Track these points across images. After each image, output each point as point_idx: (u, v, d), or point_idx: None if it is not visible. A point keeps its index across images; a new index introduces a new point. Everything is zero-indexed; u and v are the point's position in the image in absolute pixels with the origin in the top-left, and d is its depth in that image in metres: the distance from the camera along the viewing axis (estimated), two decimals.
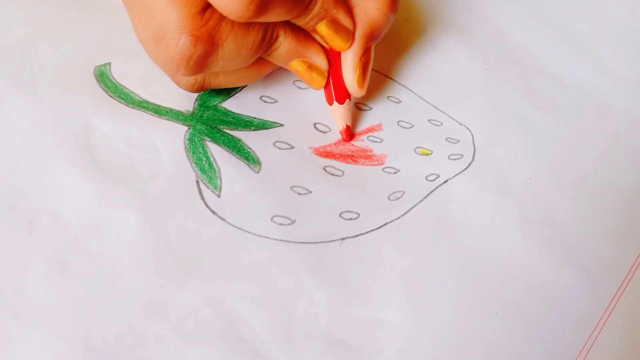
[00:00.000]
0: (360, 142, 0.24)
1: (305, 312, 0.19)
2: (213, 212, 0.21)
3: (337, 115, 0.24)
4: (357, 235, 0.21)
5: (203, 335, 0.18)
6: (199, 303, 0.19)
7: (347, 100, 0.23)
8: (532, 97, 0.27)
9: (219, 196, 0.21)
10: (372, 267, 0.21)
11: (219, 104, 0.24)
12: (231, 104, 0.24)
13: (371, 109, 0.25)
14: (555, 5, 0.31)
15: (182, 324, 0.18)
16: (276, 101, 0.24)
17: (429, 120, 0.25)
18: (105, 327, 0.18)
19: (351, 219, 0.22)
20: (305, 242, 0.21)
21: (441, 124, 0.25)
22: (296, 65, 0.22)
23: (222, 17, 0.19)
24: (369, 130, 0.24)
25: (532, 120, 0.26)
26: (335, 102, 0.23)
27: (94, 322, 0.18)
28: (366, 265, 0.21)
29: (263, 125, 0.23)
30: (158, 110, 0.23)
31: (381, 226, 0.22)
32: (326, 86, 0.23)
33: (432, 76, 0.27)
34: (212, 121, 0.23)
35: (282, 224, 0.21)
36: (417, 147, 0.24)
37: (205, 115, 0.23)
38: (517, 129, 0.26)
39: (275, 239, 0.21)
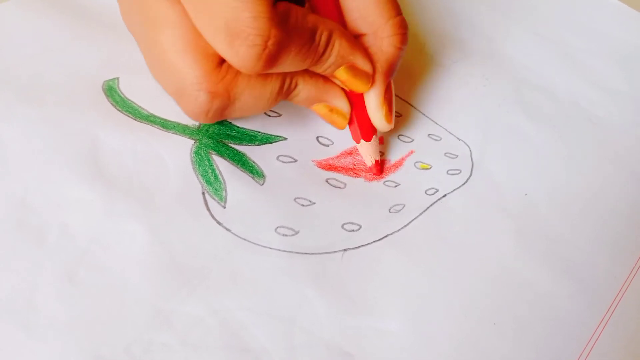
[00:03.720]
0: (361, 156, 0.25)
1: (307, 321, 0.20)
2: (219, 222, 0.21)
3: (365, 152, 0.24)
4: (359, 247, 0.22)
5: (208, 344, 0.19)
6: (204, 313, 0.19)
7: (374, 136, 0.23)
8: (528, 112, 0.27)
9: (224, 207, 0.22)
10: (372, 277, 0.21)
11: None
12: (236, 119, 0.24)
13: None
14: (551, 21, 0.32)
15: (188, 334, 0.19)
16: (280, 115, 0.25)
17: (428, 135, 0.26)
18: (114, 337, 0.18)
19: (353, 230, 0.22)
20: (308, 253, 0.21)
21: (440, 139, 0.26)
22: (318, 108, 0.22)
23: (239, 71, 0.19)
24: None
25: (529, 135, 0.27)
26: (362, 140, 0.23)
27: (103, 333, 0.18)
28: (367, 276, 0.21)
29: (267, 140, 0.24)
30: (165, 125, 0.23)
31: (382, 238, 0.22)
32: (351, 124, 0.23)
33: (432, 91, 0.28)
34: (218, 135, 0.23)
35: (286, 235, 0.21)
36: (416, 162, 0.25)
37: (211, 129, 0.24)
38: (514, 144, 0.26)
39: (278, 250, 0.21)
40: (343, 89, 0.22)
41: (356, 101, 0.23)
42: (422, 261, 0.22)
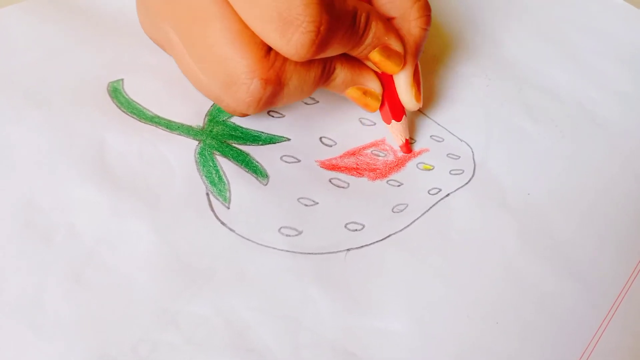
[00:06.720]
0: (365, 156, 0.25)
1: (311, 321, 0.20)
2: (223, 223, 0.21)
3: (396, 132, 0.25)
4: (362, 247, 0.22)
5: (213, 344, 0.19)
6: (209, 313, 0.19)
7: (404, 116, 0.24)
8: (530, 113, 0.28)
9: (228, 208, 0.22)
10: (376, 277, 0.21)
11: (228, 119, 0.24)
12: (240, 119, 0.24)
13: (375, 124, 0.26)
14: (554, 21, 0.32)
15: (194, 334, 0.19)
16: (283, 116, 0.25)
17: (430, 136, 0.26)
18: (120, 336, 0.18)
19: (356, 230, 0.22)
20: (312, 253, 0.21)
21: (442, 140, 0.26)
22: (352, 92, 0.23)
23: (286, 58, 0.20)
24: (373, 144, 0.25)
25: (531, 135, 0.27)
26: (392, 120, 0.24)
27: (109, 332, 0.18)
28: (370, 276, 0.21)
29: (270, 140, 0.24)
30: (169, 126, 0.23)
31: (385, 237, 0.22)
32: (382, 107, 0.24)
33: (434, 92, 0.28)
34: (222, 136, 0.24)
35: (289, 235, 0.21)
36: (419, 163, 0.25)
37: (215, 130, 0.24)
38: (516, 144, 0.26)
39: (282, 250, 0.21)
40: (375, 72, 0.23)
41: (387, 83, 0.23)
42: (425, 260, 0.22)
